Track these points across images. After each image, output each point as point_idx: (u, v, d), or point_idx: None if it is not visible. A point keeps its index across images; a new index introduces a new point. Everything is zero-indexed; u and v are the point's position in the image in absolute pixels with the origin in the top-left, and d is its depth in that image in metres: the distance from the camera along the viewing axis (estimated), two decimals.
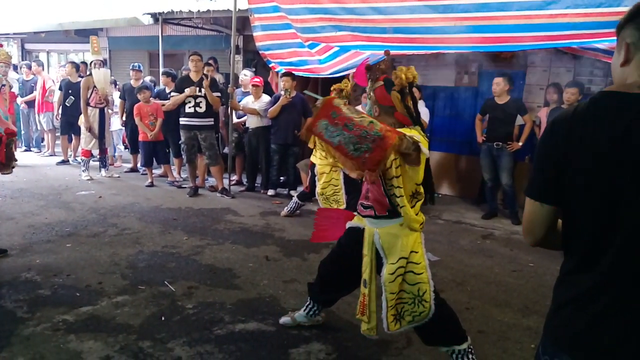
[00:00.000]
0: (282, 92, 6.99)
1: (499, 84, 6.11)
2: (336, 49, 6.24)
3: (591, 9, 3.90)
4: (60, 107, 8.90)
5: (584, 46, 5.32)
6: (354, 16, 5.13)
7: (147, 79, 8.98)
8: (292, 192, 7.26)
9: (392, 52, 6.00)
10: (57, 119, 9.45)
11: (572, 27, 4.08)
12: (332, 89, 4.40)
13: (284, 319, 3.45)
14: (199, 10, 8.48)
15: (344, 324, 3.48)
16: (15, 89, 9.03)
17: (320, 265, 3.29)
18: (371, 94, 2.80)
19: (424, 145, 2.40)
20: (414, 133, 2.43)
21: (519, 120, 6.23)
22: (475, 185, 7.27)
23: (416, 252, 2.71)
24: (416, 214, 2.67)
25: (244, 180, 7.91)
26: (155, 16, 8.97)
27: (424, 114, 6.43)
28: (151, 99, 7.71)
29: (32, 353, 2.95)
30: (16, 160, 4.24)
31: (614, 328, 1.26)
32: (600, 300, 1.28)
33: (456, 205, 7.12)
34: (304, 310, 3.37)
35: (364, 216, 2.81)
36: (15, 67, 10.58)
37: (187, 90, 6.75)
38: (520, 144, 6.13)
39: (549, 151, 1.39)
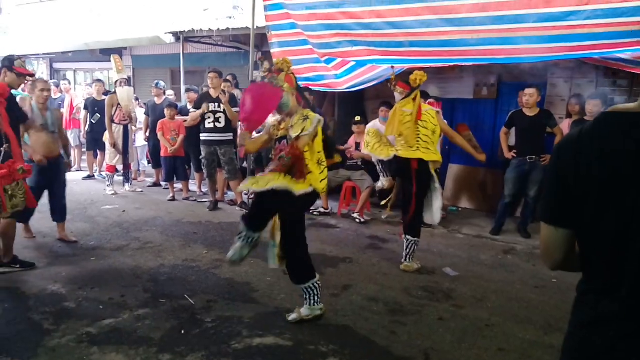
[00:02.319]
0: None
1: (532, 95, 5.89)
2: (352, 63, 6.29)
3: (612, 19, 3.85)
4: (87, 124, 9.13)
5: (606, 56, 5.25)
6: (370, 31, 5.18)
7: (168, 93, 9.17)
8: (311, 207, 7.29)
9: (410, 65, 6.06)
10: (83, 137, 9.71)
11: (593, 38, 4.04)
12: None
13: (292, 316, 3.69)
14: (218, 29, 8.65)
15: (361, 340, 3.48)
16: None
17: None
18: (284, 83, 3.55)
19: (310, 124, 3.42)
20: (305, 112, 3.52)
21: None
22: (496, 198, 7.19)
23: None
24: (322, 179, 3.58)
25: None
26: (176, 35, 9.18)
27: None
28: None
29: None
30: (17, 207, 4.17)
31: (632, 354, 1.24)
32: (617, 325, 1.26)
33: (476, 219, 7.05)
34: (306, 303, 3.68)
35: None
36: None
37: (203, 107, 6.90)
38: None
39: (558, 174, 1.38)
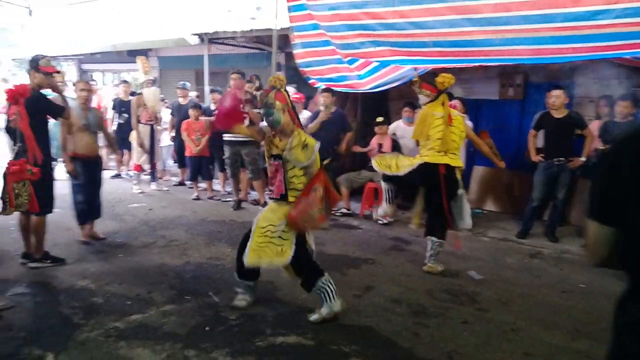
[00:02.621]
0: (322, 108, 7.07)
1: (558, 97, 5.79)
2: (375, 64, 6.29)
3: None
4: (115, 124, 9.29)
5: (636, 56, 5.13)
6: (393, 31, 5.16)
7: (193, 94, 9.28)
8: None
9: (433, 65, 6.03)
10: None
11: (623, 37, 3.97)
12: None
13: (314, 317, 3.71)
14: (242, 30, 8.72)
15: (384, 341, 3.48)
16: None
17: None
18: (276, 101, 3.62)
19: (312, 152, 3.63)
20: (303, 137, 3.63)
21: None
22: (522, 201, 7.08)
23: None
24: None
25: None
26: (201, 36, 9.28)
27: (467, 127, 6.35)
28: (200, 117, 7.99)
29: (86, 357, 3.12)
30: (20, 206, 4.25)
31: None
32: None
33: (502, 222, 6.97)
34: (324, 302, 3.69)
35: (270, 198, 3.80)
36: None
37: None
38: (583, 159, 5.80)
39: (614, 171, 1.34)
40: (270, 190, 3.78)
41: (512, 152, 7.46)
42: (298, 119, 3.82)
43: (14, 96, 4.23)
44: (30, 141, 4.26)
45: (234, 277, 3.93)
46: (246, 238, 3.74)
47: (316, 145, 3.66)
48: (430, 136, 4.69)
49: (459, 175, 4.75)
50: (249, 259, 3.57)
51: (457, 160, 4.74)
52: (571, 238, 6.22)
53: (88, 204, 5.40)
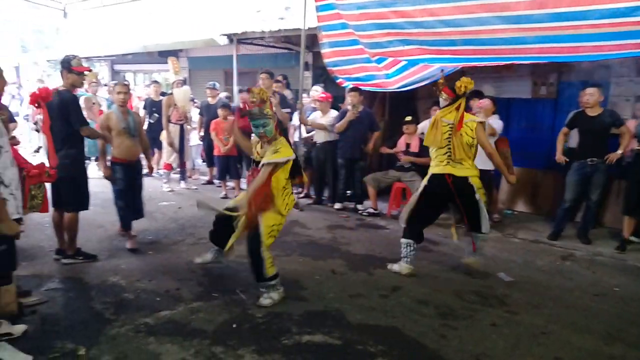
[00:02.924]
0: (349, 107, 7.06)
1: (592, 95, 5.63)
2: (404, 62, 6.24)
3: None
4: (146, 124, 9.45)
5: None
6: (422, 30, 5.11)
7: (223, 95, 9.37)
8: (359, 206, 7.29)
9: (463, 64, 5.95)
10: None
11: None
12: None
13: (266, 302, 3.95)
14: (270, 30, 8.76)
15: (410, 342, 3.45)
16: (104, 108, 9.67)
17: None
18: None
19: (286, 152, 3.92)
20: (279, 145, 3.97)
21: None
22: (554, 202, 6.93)
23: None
24: (286, 205, 4.04)
25: (312, 193, 8.03)
26: (230, 37, 9.35)
27: (498, 126, 6.25)
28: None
29: (117, 352, 3.17)
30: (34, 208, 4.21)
31: None
32: None
33: (533, 223, 6.84)
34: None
35: None
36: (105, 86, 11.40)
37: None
38: (620, 152, 5.60)
39: None
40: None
41: (545, 151, 7.32)
42: (280, 126, 4.23)
43: (36, 100, 4.31)
44: (49, 144, 4.34)
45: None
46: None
47: (291, 157, 3.98)
48: (439, 143, 4.54)
49: (473, 181, 4.53)
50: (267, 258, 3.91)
51: (465, 169, 4.51)
52: (604, 240, 6.07)
53: (131, 209, 5.32)
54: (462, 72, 7.61)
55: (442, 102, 4.70)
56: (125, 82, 10.62)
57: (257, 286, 4.25)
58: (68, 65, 4.58)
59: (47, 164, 4.15)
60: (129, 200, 5.26)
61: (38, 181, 4.12)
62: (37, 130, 4.46)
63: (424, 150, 6.81)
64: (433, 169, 4.64)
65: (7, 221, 2.86)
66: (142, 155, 5.46)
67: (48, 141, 4.37)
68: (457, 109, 4.51)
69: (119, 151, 5.14)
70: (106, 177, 5.18)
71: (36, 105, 4.35)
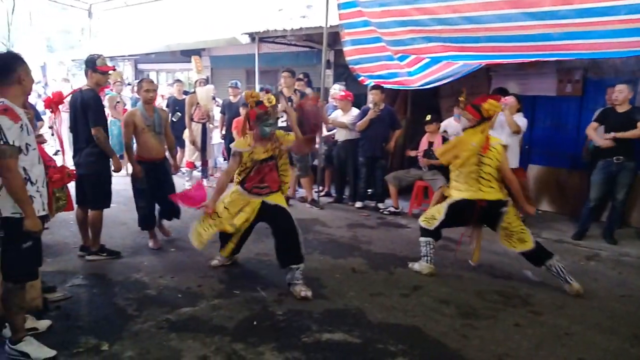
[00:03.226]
0: (371, 105, 7.03)
1: (622, 92, 5.54)
2: (427, 60, 6.19)
3: None
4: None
5: None
6: (446, 26, 5.06)
7: (244, 94, 9.39)
8: (380, 205, 7.26)
9: (487, 61, 5.87)
10: None
11: None
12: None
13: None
14: (292, 28, 8.76)
15: (431, 342, 3.42)
16: (129, 106, 9.80)
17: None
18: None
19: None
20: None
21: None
22: (579, 201, 6.81)
23: None
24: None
25: (333, 191, 8.02)
26: (252, 35, 9.38)
27: (522, 124, 6.15)
28: None
29: (139, 348, 3.21)
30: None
31: None
32: None
33: (557, 223, 6.72)
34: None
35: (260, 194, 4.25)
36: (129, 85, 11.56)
37: (279, 106, 6.98)
38: None
39: None
40: (262, 188, 4.25)
41: (570, 150, 7.21)
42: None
43: (50, 104, 4.36)
44: (61, 146, 4.42)
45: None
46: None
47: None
48: (464, 167, 4.42)
49: (509, 209, 4.42)
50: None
51: (497, 192, 4.42)
52: (631, 240, 5.97)
53: (151, 209, 5.25)
54: (487, 69, 7.58)
55: (463, 122, 4.56)
56: (137, 80, 10.75)
57: (277, 283, 4.28)
58: (92, 65, 4.64)
59: (65, 165, 4.22)
60: (152, 200, 5.19)
61: (61, 184, 4.20)
62: (52, 135, 4.53)
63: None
64: (462, 193, 4.46)
65: (32, 217, 2.91)
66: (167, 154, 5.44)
67: (60, 143, 4.45)
68: (482, 132, 4.38)
69: (143, 149, 5.07)
70: (134, 175, 5.05)
71: (50, 109, 4.42)
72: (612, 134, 5.58)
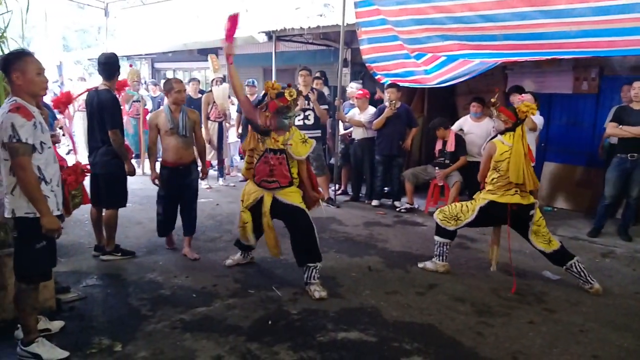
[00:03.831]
0: (387, 104, 7.03)
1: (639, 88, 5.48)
2: (443, 58, 6.18)
3: None
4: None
5: None
6: (462, 25, 5.05)
7: (265, 85, 9.44)
8: (397, 203, 7.26)
9: (504, 59, 5.84)
10: None
11: None
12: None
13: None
14: (309, 27, 8.77)
15: (447, 340, 3.43)
16: (149, 106, 9.90)
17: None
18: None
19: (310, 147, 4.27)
20: (300, 134, 4.28)
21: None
22: (595, 198, 6.75)
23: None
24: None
25: (349, 190, 8.04)
26: (269, 34, 9.40)
27: (539, 122, 6.11)
28: None
29: (153, 348, 3.23)
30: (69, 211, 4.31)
31: None
32: None
33: (573, 220, 6.69)
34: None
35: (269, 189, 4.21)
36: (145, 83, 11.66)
37: (299, 103, 7.02)
38: None
39: None
40: (270, 182, 4.18)
41: (586, 148, 7.15)
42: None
43: (59, 104, 4.40)
44: (73, 145, 4.46)
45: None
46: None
47: (314, 143, 4.32)
48: (500, 169, 4.31)
49: (536, 212, 4.37)
50: None
51: (530, 197, 4.37)
52: None
53: (169, 217, 5.01)
54: (503, 67, 7.53)
55: (499, 125, 4.45)
56: (162, 79, 10.77)
57: (292, 283, 4.32)
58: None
59: (78, 162, 4.26)
60: (171, 207, 4.95)
61: (77, 185, 4.25)
62: (63, 135, 4.54)
63: (459, 148, 6.74)
64: (497, 197, 4.35)
65: (48, 215, 2.88)
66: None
67: (72, 143, 4.48)
68: (521, 136, 4.30)
69: (167, 153, 4.80)
70: (153, 180, 4.87)
71: (59, 109, 4.47)
72: (620, 127, 5.55)
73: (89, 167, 4.37)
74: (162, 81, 11.08)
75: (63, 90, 13.98)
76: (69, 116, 4.52)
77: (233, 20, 4.25)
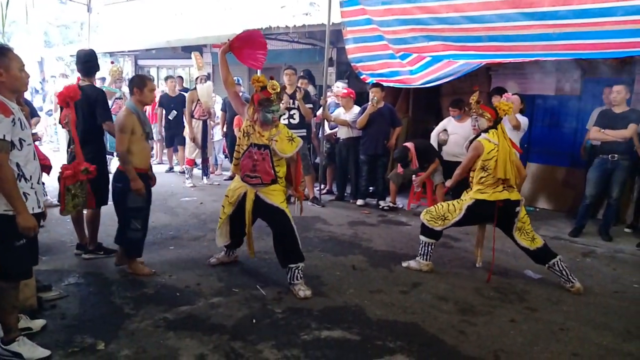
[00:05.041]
0: (370, 103, 7.05)
1: (619, 92, 5.60)
2: (428, 59, 6.22)
3: None
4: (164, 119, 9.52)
5: None
6: (447, 25, 5.10)
7: (252, 78, 9.42)
8: (381, 202, 7.29)
9: (488, 60, 5.90)
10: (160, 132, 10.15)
11: None
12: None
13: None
14: (295, 25, 8.78)
15: (429, 338, 3.46)
16: None
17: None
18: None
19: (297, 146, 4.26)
20: (288, 131, 4.28)
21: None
22: (576, 199, 6.85)
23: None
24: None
25: (335, 189, 8.06)
26: None
27: (523, 122, 6.18)
28: None
29: (136, 347, 3.20)
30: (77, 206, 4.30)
31: None
32: None
33: (555, 220, 6.79)
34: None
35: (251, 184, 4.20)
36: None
37: (283, 104, 7.01)
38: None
39: None
40: (252, 177, 4.17)
41: (568, 149, 7.25)
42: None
43: (64, 99, 4.29)
44: (77, 146, 4.30)
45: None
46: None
47: (301, 142, 4.29)
48: (489, 167, 4.34)
49: (521, 209, 4.44)
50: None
51: (516, 192, 4.44)
52: (625, 237, 6.08)
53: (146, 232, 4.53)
54: (488, 69, 7.60)
55: (483, 122, 4.45)
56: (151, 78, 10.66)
57: (276, 281, 4.31)
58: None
59: (81, 162, 4.20)
60: (146, 219, 4.49)
61: (74, 180, 4.18)
62: (69, 131, 4.39)
63: (427, 155, 6.76)
64: (487, 196, 4.38)
65: (24, 214, 2.83)
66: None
67: (75, 140, 4.35)
68: (504, 133, 4.39)
69: (141, 159, 4.30)
70: (136, 192, 4.20)
71: (67, 105, 4.36)
72: (602, 130, 5.68)
73: (94, 169, 4.27)
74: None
75: (44, 87, 13.86)
76: (73, 114, 4.37)
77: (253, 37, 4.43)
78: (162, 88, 11.85)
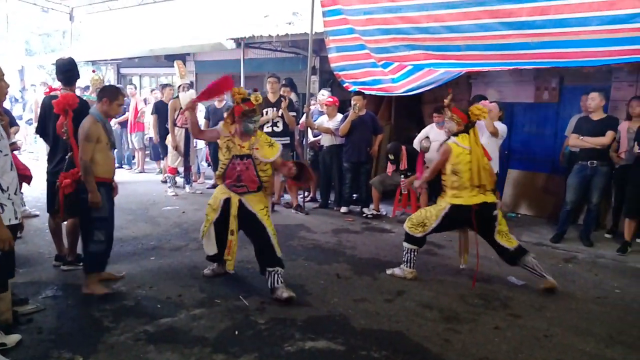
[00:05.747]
0: (351, 111, 7.08)
1: (594, 99, 5.71)
2: (409, 67, 6.27)
3: None
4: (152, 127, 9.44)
5: None
6: (428, 35, 5.14)
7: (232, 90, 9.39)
8: (365, 210, 7.30)
9: (467, 69, 5.95)
10: (146, 140, 10.07)
11: None
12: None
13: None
14: (278, 35, 8.79)
15: (414, 347, 3.45)
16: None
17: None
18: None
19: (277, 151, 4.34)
20: (267, 137, 4.42)
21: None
22: (557, 205, 6.94)
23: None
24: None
25: (318, 197, 8.05)
26: (237, 41, 9.38)
27: (502, 129, 6.24)
28: None
29: None
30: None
31: None
32: None
33: (536, 226, 6.85)
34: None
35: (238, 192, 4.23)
36: None
37: (270, 113, 7.00)
38: (622, 155, 5.78)
39: None
40: (239, 186, 4.21)
41: (548, 156, 7.35)
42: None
43: (62, 108, 4.20)
44: (75, 150, 4.20)
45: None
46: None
47: (281, 147, 4.41)
48: (459, 171, 4.40)
49: (498, 213, 4.49)
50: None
51: (492, 195, 4.51)
52: (606, 242, 6.14)
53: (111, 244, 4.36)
54: (468, 77, 7.68)
55: (452, 126, 4.52)
56: (129, 85, 10.56)
57: (260, 292, 4.27)
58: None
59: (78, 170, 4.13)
60: (110, 230, 4.30)
61: (73, 189, 4.10)
62: (67, 138, 4.27)
63: (413, 164, 6.81)
64: (462, 201, 4.42)
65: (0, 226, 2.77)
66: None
67: (74, 148, 4.20)
68: (476, 139, 4.45)
69: (105, 168, 4.15)
70: (93, 204, 4.01)
71: (64, 113, 4.26)
72: (580, 137, 5.78)
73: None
74: (128, 87, 10.88)
75: (24, 96, 13.66)
76: (70, 123, 4.26)
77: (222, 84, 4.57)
78: (145, 96, 11.80)
